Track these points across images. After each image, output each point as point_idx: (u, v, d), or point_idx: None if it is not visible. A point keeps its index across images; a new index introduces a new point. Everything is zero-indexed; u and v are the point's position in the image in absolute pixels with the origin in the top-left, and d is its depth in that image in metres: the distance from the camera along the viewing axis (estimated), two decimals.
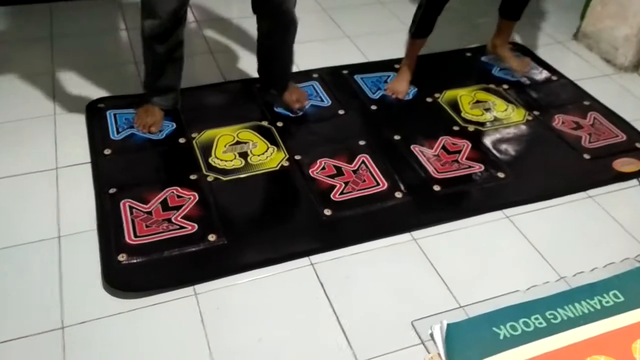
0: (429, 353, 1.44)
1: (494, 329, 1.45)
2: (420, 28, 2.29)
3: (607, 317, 1.46)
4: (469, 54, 2.74)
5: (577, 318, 1.47)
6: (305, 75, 2.49)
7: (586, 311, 1.47)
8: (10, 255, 1.65)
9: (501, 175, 2.03)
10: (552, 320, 1.45)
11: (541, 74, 2.64)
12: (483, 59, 2.69)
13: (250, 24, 2.60)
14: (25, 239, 1.69)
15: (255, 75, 2.34)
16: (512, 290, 1.60)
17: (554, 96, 2.49)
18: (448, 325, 1.45)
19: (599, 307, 1.48)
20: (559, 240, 1.80)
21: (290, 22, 2.01)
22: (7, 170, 1.92)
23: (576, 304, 1.47)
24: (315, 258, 1.69)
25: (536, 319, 1.45)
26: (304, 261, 1.69)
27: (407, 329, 1.51)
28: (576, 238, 1.81)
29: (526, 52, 2.78)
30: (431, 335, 1.47)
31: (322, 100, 2.35)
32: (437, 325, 1.46)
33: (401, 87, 2.39)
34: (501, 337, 1.43)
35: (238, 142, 2.09)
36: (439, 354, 1.42)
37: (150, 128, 2.09)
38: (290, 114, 2.25)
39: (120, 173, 1.93)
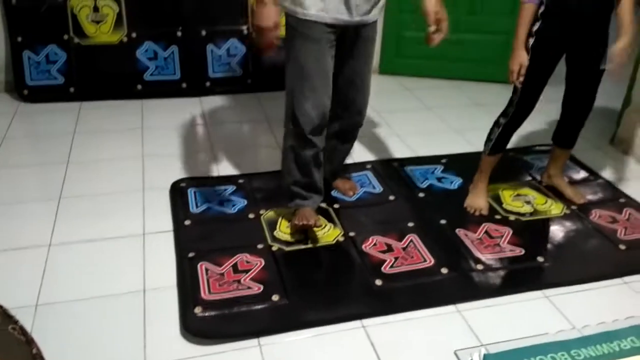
0: None
1: None
2: (497, 146, 2.41)
3: (625, 357, 1.62)
4: (511, 154, 2.98)
5: (598, 357, 1.65)
6: (360, 166, 2.80)
7: (606, 352, 1.65)
8: (102, 303, 1.91)
9: (540, 259, 2.19)
10: (576, 357, 1.66)
11: (579, 174, 2.85)
12: (525, 158, 2.94)
13: None
14: (115, 290, 1.96)
15: None
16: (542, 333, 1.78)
17: (592, 194, 2.68)
18: (485, 355, 1.62)
19: (617, 349, 1.66)
20: (596, 319, 1.92)
21: (359, 126, 2.32)
22: (102, 233, 2.24)
23: (597, 346, 1.67)
24: (366, 321, 1.88)
25: (562, 355, 1.63)
26: (356, 323, 1.87)
27: None
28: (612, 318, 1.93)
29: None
30: None
31: (374, 188, 2.62)
32: (476, 353, 1.64)
33: (481, 202, 2.47)
34: None
35: None
36: None
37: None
38: (345, 198, 2.52)
39: (198, 240, 2.21)
